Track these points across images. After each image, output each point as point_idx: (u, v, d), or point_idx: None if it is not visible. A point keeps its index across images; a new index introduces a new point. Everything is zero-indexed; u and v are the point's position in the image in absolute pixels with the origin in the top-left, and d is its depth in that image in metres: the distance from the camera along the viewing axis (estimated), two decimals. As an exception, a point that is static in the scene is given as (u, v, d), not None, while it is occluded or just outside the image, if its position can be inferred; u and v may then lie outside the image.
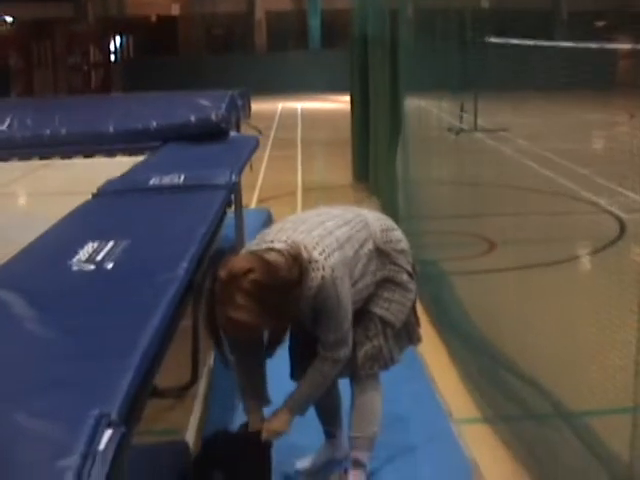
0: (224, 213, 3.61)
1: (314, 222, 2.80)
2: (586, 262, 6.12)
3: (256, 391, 2.90)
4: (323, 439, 3.27)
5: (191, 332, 3.76)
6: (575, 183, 8.56)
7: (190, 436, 3.46)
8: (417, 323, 3.13)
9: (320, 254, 2.65)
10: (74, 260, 2.57)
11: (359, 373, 2.97)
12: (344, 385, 3.11)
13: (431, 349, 4.35)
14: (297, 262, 2.57)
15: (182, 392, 3.88)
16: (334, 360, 2.79)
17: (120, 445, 1.42)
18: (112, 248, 2.70)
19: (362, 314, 2.91)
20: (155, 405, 3.59)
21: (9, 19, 27.18)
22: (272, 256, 2.57)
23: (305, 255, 2.61)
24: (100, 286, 2.37)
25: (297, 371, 2.98)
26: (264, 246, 2.65)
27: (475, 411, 3.85)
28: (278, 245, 2.64)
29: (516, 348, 4.07)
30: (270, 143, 13.16)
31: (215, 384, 4.01)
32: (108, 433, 1.42)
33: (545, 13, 16.46)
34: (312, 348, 2.82)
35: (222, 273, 2.51)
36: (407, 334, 3.07)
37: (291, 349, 3.04)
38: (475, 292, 5.08)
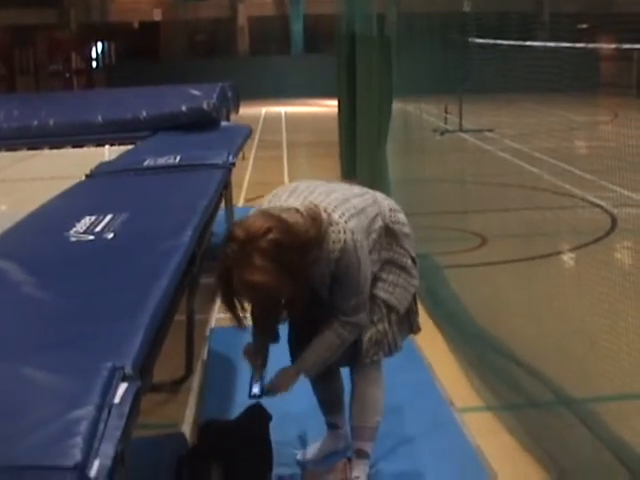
0: (222, 193, 3.51)
1: (328, 189, 2.69)
2: (576, 255, 6.07)
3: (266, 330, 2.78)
4: (325, 430, 3.17)
5: (185, 326, 3.67)
6: (562, 179, 8.54)
7: (186, 429, 3.42)
8: (416, 312, 3.04)
9: (340, 217, 2.55)
10: (71, 232, 2.46)
11: (363, 360, 2.86)
12: (344, 375, 3.03)
13: (429, 339, 4.28)
14: (316, 223, 2.45)
15: (177, 386, 3.82)
16: (355, 324, 2.68)
17: (135, 400, 1.34)
18: (110, 221, 2.59)
19: None
20: (150, 399, 3.51)
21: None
22: (290, 215, 2.44)
23: (325, 217, 2.50)
24: (102, 254, 2.27)
25: None
26: (279, 204, 2.54)
27: (477, 400, 3.78)
28: (295, 204, 2.52)
29: (516, 336, 4.02)
30: (255, 145, 13.07)
31: (209, 377, 3.95)
32: (123, 387, 1.34)
33: (527, 15, 16.69)
34: (312, 337, 2.71)
35: (239, 232, 2.35)
36: (409, 322, 2.98)
37: (291, 340, 2.92)
38: (470, 284, 5.05)
